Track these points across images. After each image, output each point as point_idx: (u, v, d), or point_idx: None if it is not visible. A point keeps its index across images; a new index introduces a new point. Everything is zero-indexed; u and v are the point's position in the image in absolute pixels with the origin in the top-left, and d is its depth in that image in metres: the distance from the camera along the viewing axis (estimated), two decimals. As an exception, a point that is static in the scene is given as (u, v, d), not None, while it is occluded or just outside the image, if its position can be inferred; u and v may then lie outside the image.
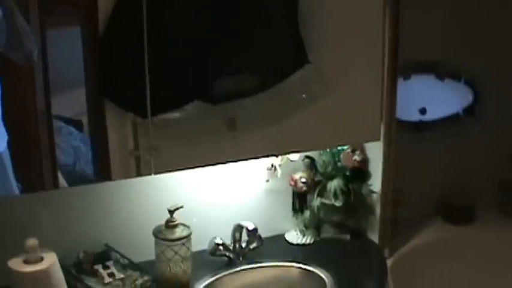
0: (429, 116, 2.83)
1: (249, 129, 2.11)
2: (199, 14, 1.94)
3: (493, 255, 2.79)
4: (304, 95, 2.17)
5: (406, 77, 2.68)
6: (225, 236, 2.34)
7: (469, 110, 2.91)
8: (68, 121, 1.93)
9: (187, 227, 2.20)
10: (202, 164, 2.13)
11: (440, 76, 2.79)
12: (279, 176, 2.47)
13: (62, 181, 1.96)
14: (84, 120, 1.95)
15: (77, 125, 1.95)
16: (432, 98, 2.82)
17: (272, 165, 2.46)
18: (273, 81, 2.09)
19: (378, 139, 2.39)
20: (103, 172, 2.00)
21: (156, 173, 2.03)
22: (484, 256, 2.78)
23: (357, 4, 2.22)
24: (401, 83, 2.46)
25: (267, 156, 2.32)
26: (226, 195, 2.43)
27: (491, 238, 2.83)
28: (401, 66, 2.42)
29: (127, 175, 2.03)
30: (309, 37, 2.12)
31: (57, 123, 1.90)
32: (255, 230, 2.28)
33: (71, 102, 1.93)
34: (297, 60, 2.12)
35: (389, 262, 2.50)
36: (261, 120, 2.12)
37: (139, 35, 1.86)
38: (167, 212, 2.17)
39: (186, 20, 1.93)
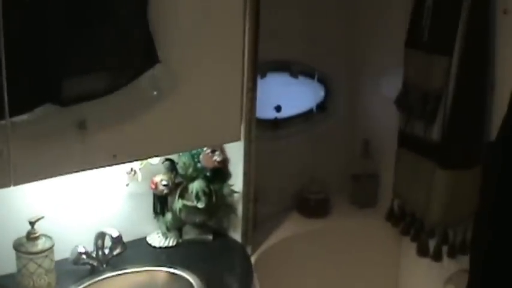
0: (284, 113, 2.88)
1: (101, 131, 2.04)
2: (46, 13, 1.85)
3: (346, 244, 2.91)
4: (155, 92, 2.13)
5: (262, 75, 2.70)
6: (88, 244, 2.26)
7: (321, 106, 2.99)
8: None
9: (50, 237, 2.11)
10: (56, 175, 2.03)
11: (295, 74, 2.85)
12: (139, 179, 2.42)
13: None
14: None
15: None
16: (287, 96, 2.87)
17: (132, 169, 2.40)
18: (123, 82, 2.02)
19: (239, 139, 2.40)
20: None
21: (14, 184, 1.92)
22: (338, 245, 2.90)
23: (214, 4, 2.20)
24: (257, 82, 2.48)
25: (124, 163, 2.26)
26: (87, 201, 2.35)
27: (344, 229, 2.94)
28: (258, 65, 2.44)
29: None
30: (162, 34, 2.07)
31: None
32: (119, 237, 2.22)
33: None
34: (148, 60, 2.07)
35: (253, 259, 2.52)
36: (113, 121, 2.06)
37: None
38: (27, 224, 2.07)
39: (32, 19, 1.83)
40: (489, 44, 2.36)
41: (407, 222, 2.69)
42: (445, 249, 2.58)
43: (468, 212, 2.36)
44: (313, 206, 2.95)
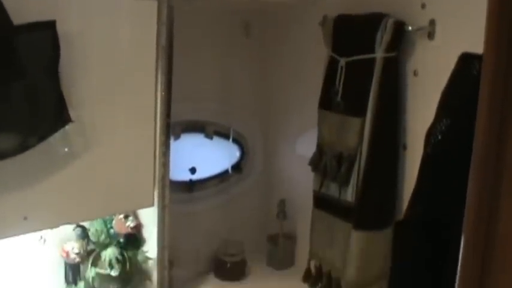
0: (199, 175, 2.84)
1: (10, 191, 1.95)
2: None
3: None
4: (66, 149, 2.07)
5: (176, 136, 2.67)
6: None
7: (237, 167, 2.97)
8: None
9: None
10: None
11: (209, 134, 2.82)
12: (49, 247, 2.33)
13: None
14: None
15: None
16: (202, 157, 2.84)
17: (41, 237, 2.32)
18: (34, 142, 1.97)
19: (152, 205, 2.36)
20: None
21: None
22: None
23: (126, 65, 2.18)
24: (171, 143, 2.44)
25: (35, 231, 2.18)
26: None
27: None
28: (171, 126, 2.41)
29: None
30: (74, 92, 2.03)
31: None
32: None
33: None
34: (59, 119, 2.02)
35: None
36: (23, 181, 1.99)
37: None
38: None
39: None
40: (400, 105, 2.39)
41: (324, 283, 2.67)
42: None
43: (382, 272, 2.36)
44: (229, 268, 2.90)
